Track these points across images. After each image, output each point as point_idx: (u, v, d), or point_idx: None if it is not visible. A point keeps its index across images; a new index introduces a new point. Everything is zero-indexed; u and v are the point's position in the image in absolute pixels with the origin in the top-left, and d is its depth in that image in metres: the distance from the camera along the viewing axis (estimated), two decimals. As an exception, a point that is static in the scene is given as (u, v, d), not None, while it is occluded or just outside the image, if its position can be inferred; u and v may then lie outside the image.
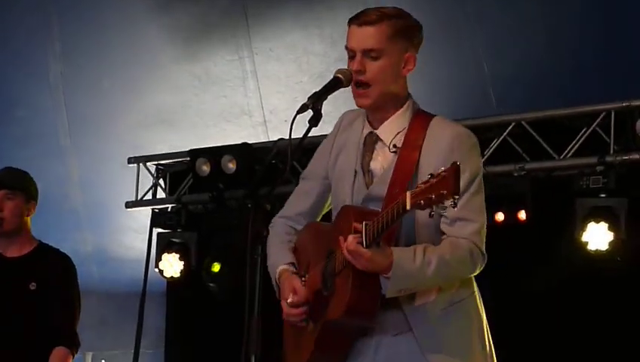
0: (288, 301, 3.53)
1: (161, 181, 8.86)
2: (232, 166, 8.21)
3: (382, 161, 3.53)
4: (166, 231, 8.64)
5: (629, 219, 6.67)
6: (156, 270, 8.45)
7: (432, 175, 3.05)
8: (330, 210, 3.76)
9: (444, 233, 3.43)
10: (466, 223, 3.43)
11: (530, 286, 6.95)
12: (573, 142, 6.99)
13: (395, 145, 3.50)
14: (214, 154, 8.28)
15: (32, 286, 5.34)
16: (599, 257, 6.68)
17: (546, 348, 6.97)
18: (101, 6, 9.00)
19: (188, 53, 8.92)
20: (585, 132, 6.95)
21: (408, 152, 3.45)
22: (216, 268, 8.33)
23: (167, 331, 9.04)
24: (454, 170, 2.99)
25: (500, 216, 7.08)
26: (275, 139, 7.94)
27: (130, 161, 8.80)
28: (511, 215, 7.06)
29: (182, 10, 8.85)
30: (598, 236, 6.67)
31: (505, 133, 7.19)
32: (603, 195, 6.74)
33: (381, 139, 3.55)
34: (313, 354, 3.51)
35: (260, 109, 8.90)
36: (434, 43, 7.29)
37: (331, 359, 3.55)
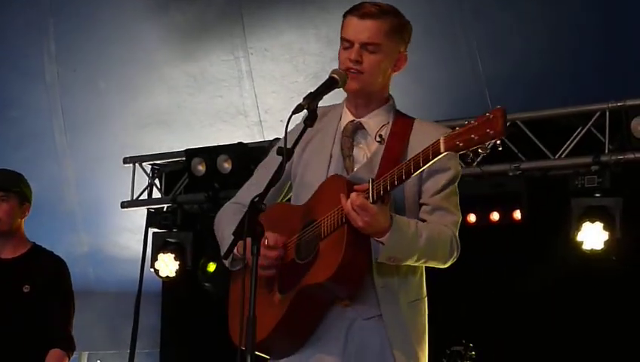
0: (266, 243, 3.46)
1: (156, 181, 8.86)
2: (227, 166, 8.21)
3: (365, 149, 3.58)
4: (162, 231, 8.64)
5: (624, 218, 6.68)
6: (152, 270, 8.46)
7: (468, 121, 3.11)
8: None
9: (423, 220, 3.48)
10: (446, 213, 3.50)
11: (525, 285, 6.96)
12: (569, 141, 7.00)
13: (380, 136, 3.56)
14: (210, 154, 8.28)
15: (26, 288, 5.33)
16: (594, 257, 6.68)
17: (542, 348, 6.99)
18: (96, 6, 9.00)
19: (183, 53, 8.92)
20: (580, 131, 6.96)
21: (395, 144, 3.51)
22: (211, 267, 8.34)
23: (163, 331, 9.04)
24: (502, 112, 3.07)
25: (495, 216, 7.09)
26: (271, 138, 7.95)
27: (126, 160, 8.80)
28: (506, 214, 7.07)
29: (178, 10, 8.86)
30: (593, 235, 6.68)
31: (500, 133, 7.18)
32: (598, 195, 6.75)
33: (364, 128, 3.60)
34: (279, 326, 3.47)
35: (255, 109, 8.90)
36: (431, 43, 7.33)
37: (295, 334, 3.52)
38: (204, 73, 8.94)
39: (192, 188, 8.55)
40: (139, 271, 8.35)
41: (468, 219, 6.78)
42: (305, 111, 3.38)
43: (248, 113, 8.95)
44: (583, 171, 6.79)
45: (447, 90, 7.81)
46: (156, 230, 8.65)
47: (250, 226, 3.18)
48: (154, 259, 8.46)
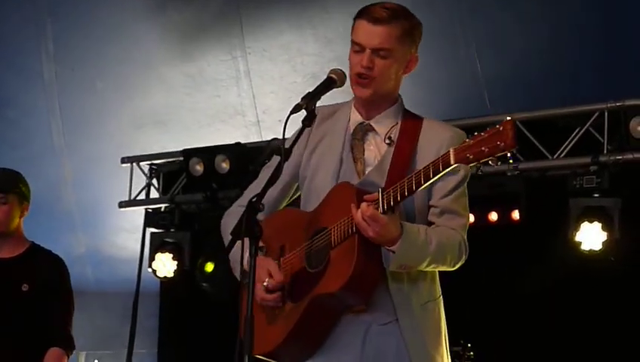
0: (264, 284, 3.47)
1: (154, 181, 8.86)
2: (225, 166, 8.21)
3: (375, 151, 3.55)
4: (159, 230, 8.64)
5: (623, 218, 6.67)
6: (149, 270, 8.45)
7: (478, 133, 3.11)
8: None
9: (431, 223, 3.48)
10: (454, 216, 3.49)
11: (524, 286, 6.95)
12: (567, 141, 7.00)
13: (390, 138, 3.54)
14: (208, 154, 8.28)
15: (25, 287, 5.32)
16: (593, 257, 6.68)
17: (540, 348, 6.98)
18: (94, 5, 8.99)
19: (181, 53, 8.91)
20: (578, 132, 6.96)
21: (404, 145, 3.49)
22: (209, 267, 8.33)
23: (161, 331, 9.04)
24: (511, 124, 3.06)
25: (493, 216, 7.09)
26: (269, 139, 7.94)
27: (124, 160, 8.80)
28: (504, 215, 7.07)
29: (175, 10, 8.85)
30: (591, 236, 6.68)
31: (498, 133, 7.18)
32: (596, 195, 6.74)
33: (375, 130, 3.57)
34: (290, 335, 3.45)
35: (253, 109, 8.90)
36: (429, 43, 7.32)
37: (307, 342, 3.50)
38: (202, 73, 8.94)
39: (189, 188, 8.55)
40: (137, 271, 8.34)
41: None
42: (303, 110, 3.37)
43: (246, 113, 8.94)
44: (582, 171, 6.78)
45: (447, 90, 7.81)
46: (154, 230, 8.65)
47: (247, 226, 3.17)
48: (152, 259, 8.46)
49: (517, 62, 7.67)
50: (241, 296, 3.61)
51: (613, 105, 6.74)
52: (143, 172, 8.83)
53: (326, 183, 3.54)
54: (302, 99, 3.38)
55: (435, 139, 3.46)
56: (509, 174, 7.06)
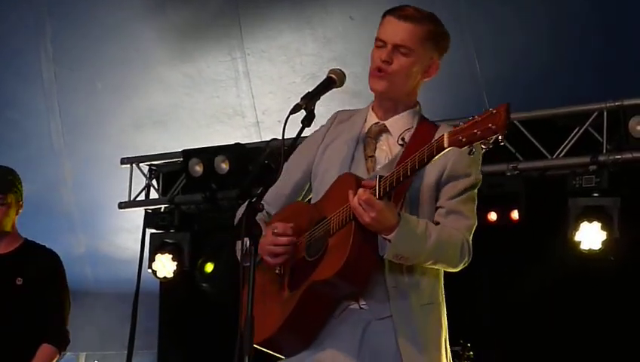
0: (275, 230, 3.47)
1: (154, 181, 8.86)
2: (225, 166, 8.21)
3: (387, 151, 3.57)
4: (159, 231, 8.63)
5: (622, 218, 6.67)
6: (149, 270, 8.45)
7: (473, 116, 3.14)
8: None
9: (437, 223, 3.47)
10: (460, 217, 3.49)
11: (523, 285, 6.95)
12: (566, 141, 7.00)
13: (403, 139, 3.55)
14: (207, 154, 8.28)
15: (19, 281, 5.36)
16: (592, 256, 6.68)
17: (540, 347, 6.98)
18: (93, 6, 8.99)
19: (181, 54, 8.92)
20: (578, 131, 6.96)
21: (415, 148, 3.45)
22: (209, 268, 8.33)
23: (161, 331, 9.03)
24: (505, 108, 3.09)
25: (492, 216, 7.09)
26: (268, 139, 7.95)
27: (123, 161, 8.80)
28: (504, 215, 7.07)
29: (174, 11, 8.86)
30: (591, 235, 6.67)
31: (497, 133, 7.18)
32: (596, 195, 6.74)
33: (388, 131, 3.59)
34: (286, 323, 3.46)
35: (252, 110, 8.91)
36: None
37: (303, 331, 3.50)
38: (201, 74, 8.94)
39: (189, 189, 8.55)
40: (136, 272, 8.34)
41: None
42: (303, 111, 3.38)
43: (245, 114, 8.95)
44: (581, 171, 6.78)
45: (446, 89, 7.80)
46: (154, 230, 8.65)
47: (247, 227, 3.18)
48: (151, 259, 8.46)
49: (516, 62, 7.67)
50: (242, 283, 3.63)
51: (613, 104, 6.74)
52: (143, 172, 8.83)
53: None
54: (301, 99, 3.39)
55: None
56: (508, 174, 7.06)
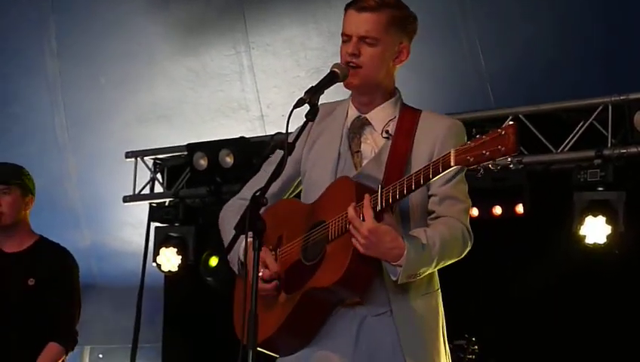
0: (259, 274, 3.43)
1: (158, 175, 8.86)
2: (229, 160, 8.21)
3: (372, 144, 3.56)
4: (164, 225, 8.64)
5: (627, 212, 6.67)
6: (154, 264, 8.46)
7: (480, 135, 3.11)
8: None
9: (432, 211, 3.47)
10: (455, 202, 3.48)
11: (528, 280, 6.95)
12: (571, 135, 6.99)
13: (387, 132, 3.54)
14: (212, 148, 8.28)
15: (31, 281, 5.32)
16: (597, 251, 6.68)
17: (544, 341, 6.98)
18: (97, 1, 9.00)
19: (185, 48, 8.91)
20: (582, 125, 6.95)
21: (401, 139, 3.49)
22: (213, 262, 8.33)
23: (165, 325, 9.04)
24: (514, 129, 3.06)
25: (497, 210, 7.09)
26: (272, 133, 7.94)
27: (128, 155, 8.81)
28: (508, 208, 7.07)
29: (179, 5, 8.86)
30: (595, 229, 6.67)
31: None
32: (601, 189, 6.74)
33: (371, 124, 3.58)
34: (283, 327, 3.46)
35: (257, 104, 8.90)
36: (431, 36, 7.32)
37: (300, 333, 3.50)
38: (205, 68, 8.94)
39: (193, 183, 8.56)
40: (141, 266, 8.35)
41: (470, 213, 6.77)
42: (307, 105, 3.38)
43: (250, 108, 8.95)
44: (586, 165, 6.77)
45: (450, 83, 7.80)
46: (158, 224, 8.66)
47: (251, 221, 3.17)
48: (156, 253, 8.47)
49: (521, 57, 7.66)
50: (236, 287, 3.64)
51: (617, 98, 6.73)
52: (147, 166, 8.83)
53: (325, 177, 3.55)
54: (305, 93, 3.39)
55: (432, 131, 3.46)
56: (512, 168, 7.05)
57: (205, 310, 8.40)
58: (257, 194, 3.23)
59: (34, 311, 5.31)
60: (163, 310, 9.09)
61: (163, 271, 8.50)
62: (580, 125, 6.96)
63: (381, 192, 3.27)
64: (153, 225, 8.65)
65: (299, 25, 8.50)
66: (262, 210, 3.37)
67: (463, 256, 3.50)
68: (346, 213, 3.31)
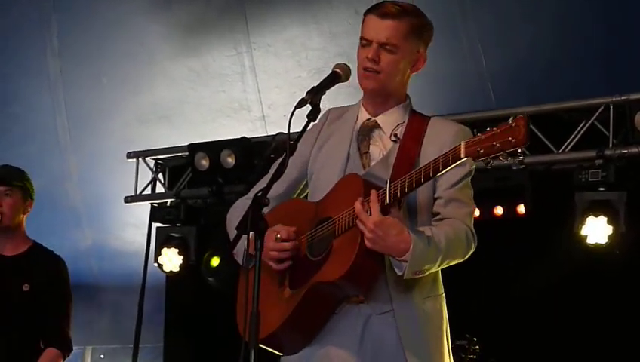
0: (278, 236, 3.48)
1: (160, 176, 8.86)
2: (231, 160, 8.22)
3: (381, 147, 3.58)
4: (165, 225, 8.64)
5: (628, 212, 6.67)
6: (155, 264, 8.46)
7: (490, 128, 3.14)
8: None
9: (437, 213, 3.49)
10: (460, 205, 3.50)
11: (529, 280, 6.95)
12: (572, 135, 6.99)
13: (395, 135, 3.57)
14: (213, 148, 8.28)
15: (26, 287, 5.32)
16: (598, 251, 6.68)
17: (546, 341, 6.98)
18: (98, 1, 9.00)
19: (186, 49, 8.92)
20: (584, 126, 6.95)
21: (410, 143, 3.52)
22: (215, 262, 8.33)
23: (167, 325, 9.04)
24: (524, 121, 3.09)
25: (499, 210, 7.09)
26: (274, 133, 7.94)
27: (130, 155, 8.81)
28: (510, 209, 7.07)
29: (180, 5, 8.86)
30: (597, 230, 6.67)
31: (504, 127, 7.17)
32: (602, 189, 6.74)
33: (380, 127, 3.61)
34: (288, 321, 3.47)
35: (258, 104, 8.90)
36: (434, 37, 7.32)
37: (304, 330, 3.51)
38: (207, 68, 8.94)
39: (195, 183, 8.56)
40: (142, 266, 8.35)
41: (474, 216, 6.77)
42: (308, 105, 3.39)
43: (251, 108, 8.95)
44: (587, 165, 6.78)
45: (451, 84, 7.80)
46: (160, 225, 8.66)
47: (253, 221, 3.17)
48: (157, 253, 8.47)
49: (522, 57, 7.66)
50: (239, 282, 3.64)
51: (619, 98, 6.73)
52: (149, 167, 8.83)
53: (333, 177, 3.57)
54: (307, 93, 3.41)
55: (440, 136, 3.49)
56: (514, 168, 7.05)
57: (207, 310, 8.41)
58: (259, 194, 3.24)
59: (27, 317, 5.31)
60: (164, 310, 9.10)
61: (164, 272, 8.50)
62: (581, 125, 6.97)
63: (389, 187, 3.29)
64: (155, 225, 8.65)
65: (300, 25, 8.50)
66: (267, 210, 3.39)
67: (467, 258, 3.51)
68: (353, 208, 3.33)
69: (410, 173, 3.29)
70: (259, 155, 8.06)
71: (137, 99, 9.18)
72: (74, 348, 5.47)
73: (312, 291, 3.42)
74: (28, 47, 9.19)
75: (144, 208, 8.80)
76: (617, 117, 6.76)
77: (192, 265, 8.43)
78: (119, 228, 9.52)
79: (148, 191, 8.82)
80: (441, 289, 3.58)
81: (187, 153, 8.47)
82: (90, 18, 9.07)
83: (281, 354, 3.64)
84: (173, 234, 8.53)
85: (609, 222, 6.64)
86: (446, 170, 3.24)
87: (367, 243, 3.28)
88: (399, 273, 3.32)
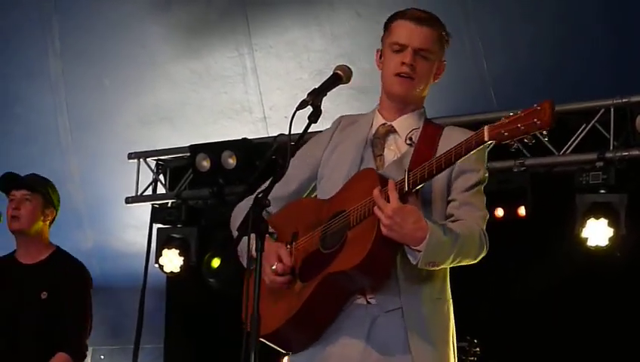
0: (273, 268, 3.50)
1: (161, 177, 8.86)
2: (232, 161, 8.22)
3: (395, 150, 3.60)
4: (166, 226, 8.64)
5: (629, 214, 6.67)
6: (156, 265, 8.46)
7: (515, 112, 3.17)
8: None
9: (450, 215, 3.51)
10: (474, 208, 3.53)
11: (530, 282, 6.95)
12: (573, 138, 6.99)
13: (410, 139, 3.59)
14: (214, 149, 8.28)
15: (44, 295, 5.30)
16: (599, 253, 6.68)
17: (546, 344, 6.98)
18: (100, 3, 9.00)
19: (188, 50, 8.92)
20: (584, 128, 6.95)
21: (424, 148, 3.53)
22: (216, 263, 8.33)
23: (167, 326, 9.05)
24: (550, 103, 3.12)
25: (499, 212, 7.09)
26: (275, 135, 7.94)
27: (131, 156, 8.80)
28: (511, 211, 7.07)
29: (182, 7, 8.86)
30: (597, 232, 6.68)
31: (504, 129, 7.18)
32: (603, 191, 6.74)
33: (396, 131, 3.63)
34: (297, 315, 3.46)
35: (260, 106, 8.91)
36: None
37: (311, 325, 3.51)
38: (208, 70, 8.95)
39: (196, 184, 8.56)
40: (143, 267, 8.35)
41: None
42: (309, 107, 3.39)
43: (253, 109, 8.95)
44: (588, 167, 6.79)
45: (453, 86, 7.79)
46: (161, 225, 8.65)
47: (254, 223, 3.18)
48: (158, 254, 8.47)
49: (523, 59, 7.66)
50: (247, 280, 3.64)
51: (620, 101, 6.74)
52: (150, 168, 8.84)
53: (344, 180, 3.57)
54: (308, 95, 3.41)
55: (454, 143, 3.48)
56: (515, 170, 7.06)
57: (207, 311, 8.42)
58: (260, 196, 3.25)
59: (45, 324, 5.28)
60: (165, 311, 9.10)
61: (165, 272, 8.50)
62: (582, 128, 6.97)
63: (408, 175, 3.30)
64: (155, 226, 8.65)
65: (301, 27, 8.51)
66: (274, 211, 3.41)
67: (478, 260, 3.52)
68: (369, 198, 3.33)
69: (430, 160, 3.30)
70: (260, 157, 8.07)
71: (139, 100, 9.19)
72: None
73: (324, 282, 3.41)
74: (29, 48, 9.19)
75: (145, 209, 8.80)
76: (618, 119, 6.76)
77: (193, 266, 8.43)
78: (120, 228, 9.52)
79: (149, 192, 8.82)
80: (449, 295, 3.59)
81: (188, 154, 8.47)
82: (92, 19, 9.07)
83: (285, 352, 3.64)
84: (174, 235, 8.54)
85: (610, 225, 6.64)
86: (469, 153, 3.25)
87: (384, 230, 3.28)
88: (414, 262, 3.32)
